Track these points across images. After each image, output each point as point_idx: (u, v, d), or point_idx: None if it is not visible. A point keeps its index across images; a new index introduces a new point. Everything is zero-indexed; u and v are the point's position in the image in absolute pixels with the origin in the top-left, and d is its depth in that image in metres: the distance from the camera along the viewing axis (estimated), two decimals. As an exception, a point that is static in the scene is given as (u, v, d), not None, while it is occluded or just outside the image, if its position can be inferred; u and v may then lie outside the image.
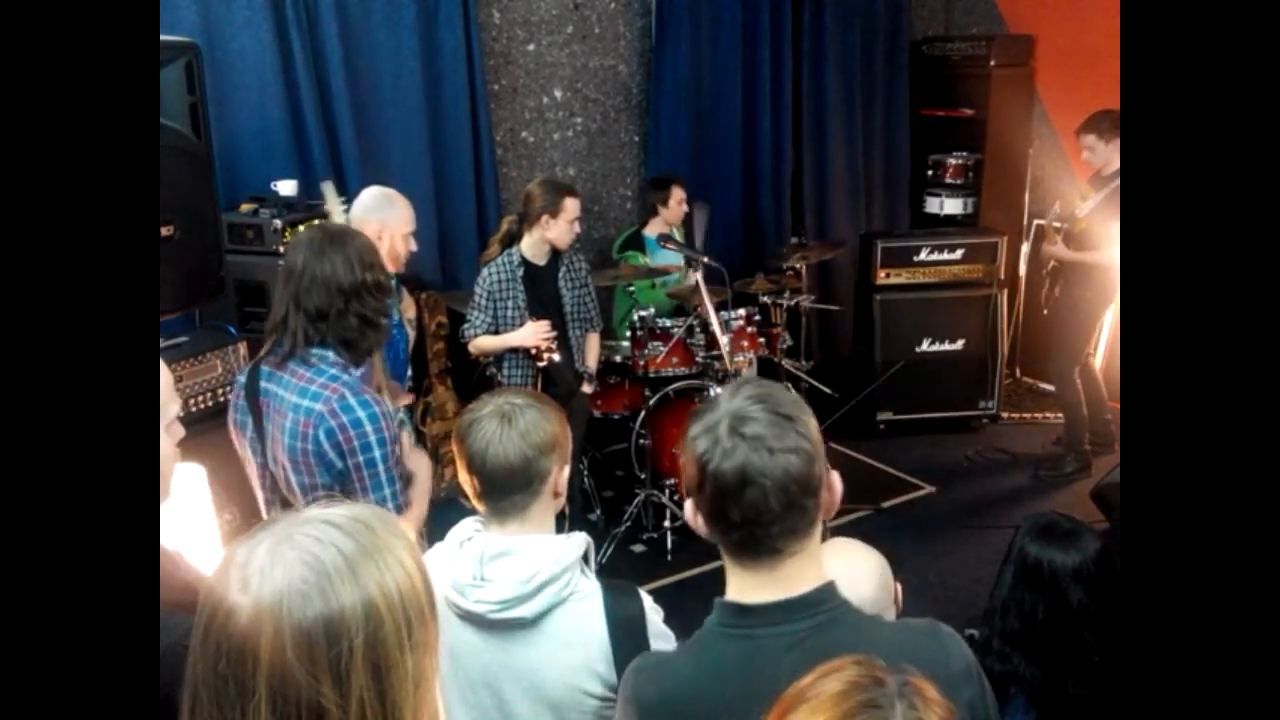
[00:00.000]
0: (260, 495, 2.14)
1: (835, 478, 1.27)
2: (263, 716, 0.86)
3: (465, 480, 1.65)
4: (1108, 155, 4.46)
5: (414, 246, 3.08)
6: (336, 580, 0.88)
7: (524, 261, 3.68)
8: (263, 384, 2.05)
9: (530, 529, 1.64)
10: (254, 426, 2.06)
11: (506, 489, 1.61)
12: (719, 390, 1.32)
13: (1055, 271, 4.78)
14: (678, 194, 4.74)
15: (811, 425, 1.24)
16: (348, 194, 3.75)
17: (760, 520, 1.20)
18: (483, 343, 3.67)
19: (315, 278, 1.97)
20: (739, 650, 1.23)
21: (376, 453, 1.92)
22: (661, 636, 1.64)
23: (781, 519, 1.20)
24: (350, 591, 0.88)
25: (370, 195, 3.05)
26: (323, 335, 1.99)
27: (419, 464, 2.16)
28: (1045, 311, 4.96)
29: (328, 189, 3.29)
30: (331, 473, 1.93)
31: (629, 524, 4.32)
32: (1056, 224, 4.78)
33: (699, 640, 1.29)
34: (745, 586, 1.26)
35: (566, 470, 1.70)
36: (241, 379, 2.12)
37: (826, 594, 1.24)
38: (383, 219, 2.97)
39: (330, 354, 1.99)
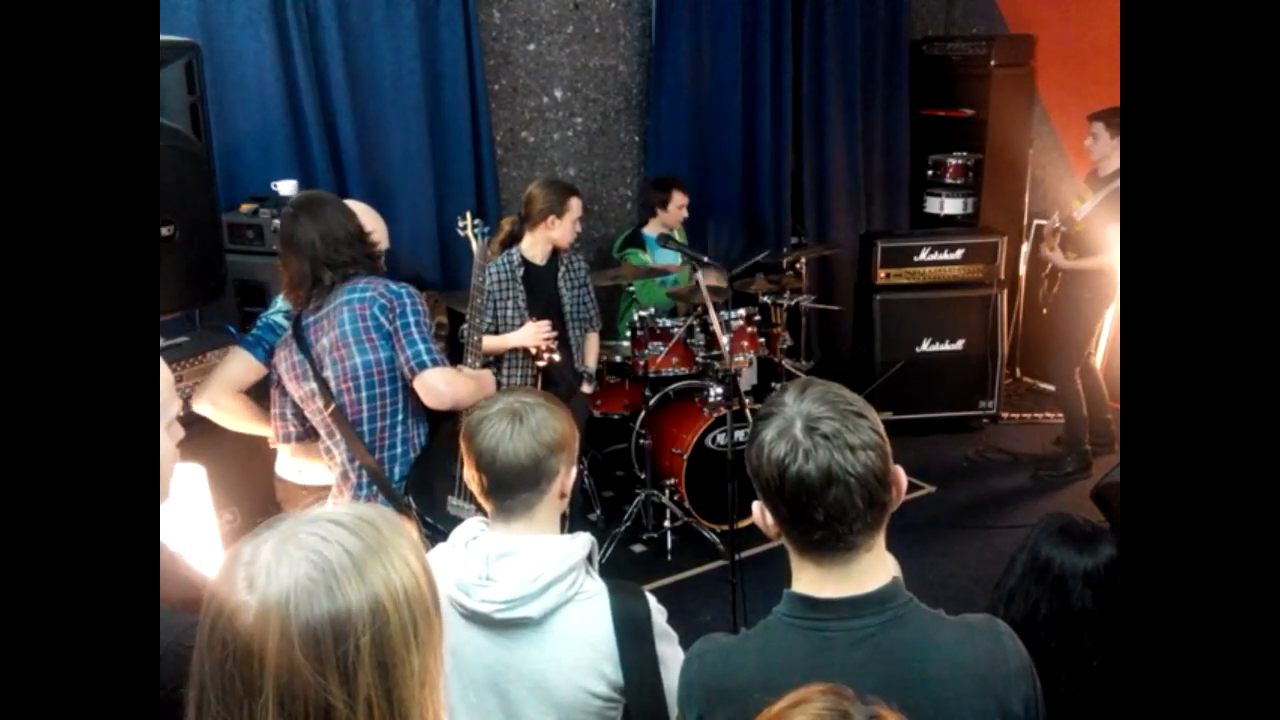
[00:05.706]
0: (317, 417, 2.50)
1: (900, 471, 1.29)
2: (270, 715, 0.86)
3: (472, 478, 1.65)
4: (1108, 150, 4.45)
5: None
6: (343, 579, 0.88)
7: (524, 261, 3.68)
8: (306, 323, 2.46)
9: (536, 529, 1.64)
10: (300, 351, 2.46)
11: (514, 487, 1.61)
12: (779, 394, 1.33)
13: (1054, 272, 4.78)
14: (679, 198, 4.73)
15: (879, 421, 1.27)
16: (349, 195, 3.74)
17: (844, 518, 1.22)
18: (483, 343, 3.66)
19: (325, 236, 2.43)
20: (807, 643, 1.26)
21: (411, 319, 2.42)
22: (666, 637, 1.64)
23: (863, 516, 1.23)
24: (357, 590, 0.89)
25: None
26: (350, 273, 2.45)
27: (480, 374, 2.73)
28: (1044, 311, 4.96)
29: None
30: (387, 341, 2.41)
31: (629, 524, 4.32)
32: (1056, 225, 4.78)
33: (766, 629, 1.31)
34: (816, 580, 1.28)
35: (574, 472, 1.70)
36: (287, 329, 2.54)
37: (894, 590, 1.27)
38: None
39: (366, 279, 2.47)
